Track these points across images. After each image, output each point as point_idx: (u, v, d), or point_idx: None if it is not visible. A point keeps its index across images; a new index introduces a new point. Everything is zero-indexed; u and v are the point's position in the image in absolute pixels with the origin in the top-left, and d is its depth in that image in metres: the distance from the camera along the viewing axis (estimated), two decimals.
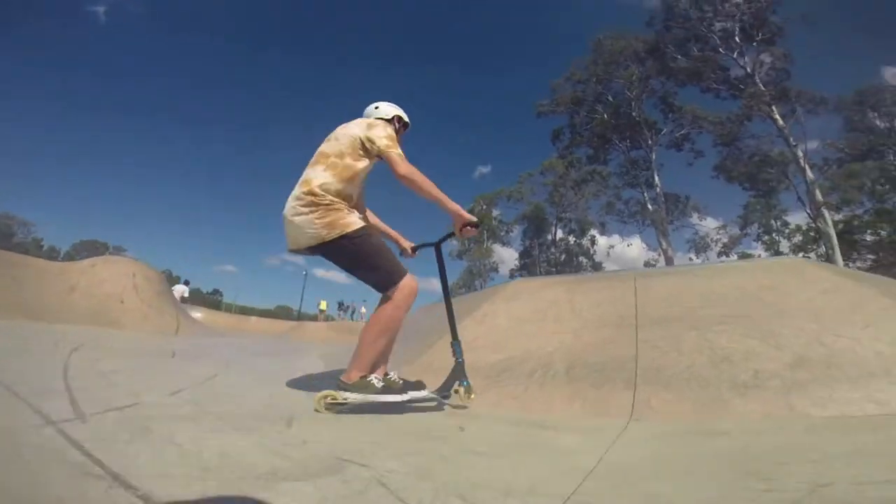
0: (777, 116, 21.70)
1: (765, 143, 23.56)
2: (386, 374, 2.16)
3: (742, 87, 22.98)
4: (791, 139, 21.74)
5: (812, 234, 25.05)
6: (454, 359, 2.32)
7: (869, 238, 24.73)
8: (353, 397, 1.93)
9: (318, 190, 2.10)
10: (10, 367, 2.10)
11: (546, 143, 30.57)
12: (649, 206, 26.52)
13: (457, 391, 2.26)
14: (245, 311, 38.52)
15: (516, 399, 2.31)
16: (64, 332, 3.90)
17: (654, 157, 26.84)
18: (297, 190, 2.16)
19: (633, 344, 2.42)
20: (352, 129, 2.27)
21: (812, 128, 27.12)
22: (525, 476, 1.16)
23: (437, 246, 2.59)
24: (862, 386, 1.80)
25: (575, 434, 1.69)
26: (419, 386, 2.16)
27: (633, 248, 33.32)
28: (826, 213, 21.07)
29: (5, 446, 1.06)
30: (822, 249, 21.98)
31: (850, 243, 23.44)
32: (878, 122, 23.93)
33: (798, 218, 27.09)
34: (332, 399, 1.90)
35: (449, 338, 2.39)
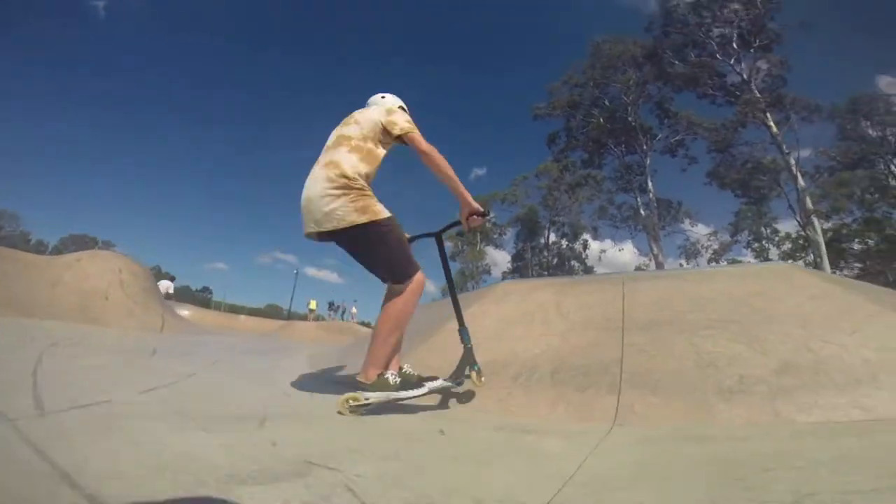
0: (771, 123, 21.93)
1: (758, 150, 23.78)
2: (401, 369, 2.20)
3: (738, 93, 23.20)
4: (784, 146, 21.95)
5: (801, 242, 25.27)
6: (463, 345, 2.35)
7: (857, 247, 25.00)
8: (374, 397, 1.94)
9: (349, 173, 2.09)
10: None
11: (542, 146, 30.68)
12: (642, 212, 26.66)
13: (469, 376, 2.31)
14: (235, 309, 38.30)
15: (500, 402, 2.27)
16: (43, 328, 3.80)
17: (648, 162, 27.02)
18: (328, 171, 2.11)
19: (619, 347, 2.39)
20: (372, 115, 2.29)
21: (805, 135, 27.39)
22: (502, 483, 1.12)
23: (439, 236, 2.56)
24: (848, 392, 1.78)
25: (557, 439, 1.65)
26: (433, 378, 2.19)
27: (624, 253, 33.45)
28: (816, 221, 21.28)
29: None
30: (811, 257, 22.20)
31: (838, 252, 23.68)
32: (870, 131, 24.21)
33: (788, 226, 27.33)
34: (355, 401, 1.89)
35: (441, 332, 2.37)
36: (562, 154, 29.66)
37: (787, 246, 27.64)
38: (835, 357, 1.98)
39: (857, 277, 20.98)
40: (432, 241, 2.57)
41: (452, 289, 2.57)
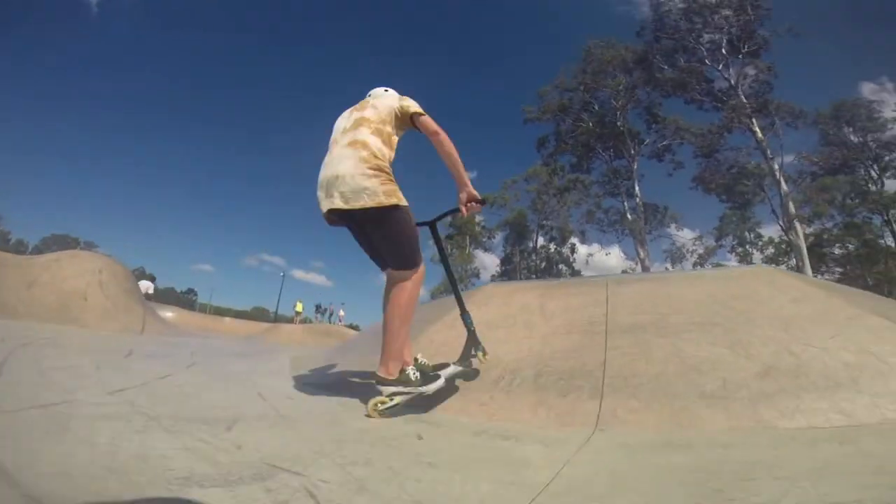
0: (756, 129, 22.24)
1: (743, 156, 24.12)
2: (416, 360, 2.27)
3: (725, 98, 23.50)
4: (768, 151, 22.27)
5: (784, 246, 25.67)
6: (466, 329, 2.45)
7: (837, 251, 25.47)
8: (398, 397, 1.98)
9: (380, 155, 2.14)
10: None
11: (532, 150, 30.79)
12: (629, 216, 26.84)
13: (475, 356, 2.41)
14: (220, 311, 37.80)
15: (482, 406, 2.22)
16: (17, 328, 3.69)
17: (635, 166, 27.22)
18: (358, 151, 2.12)
19: (602, 351, 2.36)
20: (388, 100, 2.37)
21: (789, 141, 27.80)
22: (475, 491, 1.08)
23: (433, 225, 2.56)
24: (828, 396, 1.77)
25: (536, 445, 1.61)
26: (444, 364, 2.29)
27: (611, 257, 33.61)
28: (798, 225, 21.60)
29: None
30: (794, 262, 22.51)
31: (819, 256, 24.10)
32: (851, 137, 24.67)
33: (771, 230, 27.74)
34: (383, 403, 1.94)
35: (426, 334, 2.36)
36: (551, 158, 29.78)
37: (771, 251, 28.09)
38: (816, 360, 1.97)
39: (838, 282, 21.36)
40: (425, 230, 2.55)
41: (452, 276, 2.69)
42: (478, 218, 33.14)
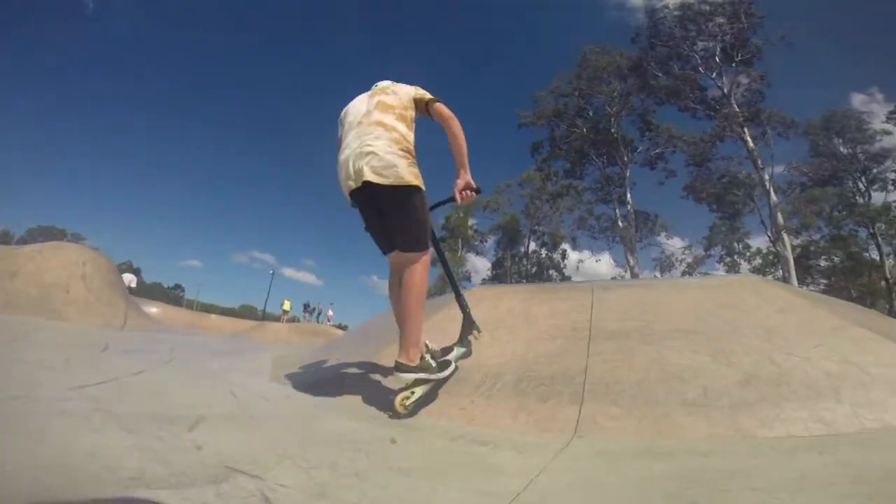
0: (748, 138, 22.45)
1: (734, 165, 24.33)
2: (426, 345, 2.27)
3: (718, 107, 23.70)
4: (759, 161, 22.47)
5: (771, 257, 25.91)
6: (462, 310, 2.49)
7: (823, 263, 25.76)
8: (419, 390, 2.03)
9: (407, 138, 2.22)
10: None
11: (525, 155, 30.83)
12: (620, 223, 26.96)
13: (474, 336, 2.44)
14: (207, 308, 37.31)
15: (462, 410, 2.18)
16: None
17: (628, 174, 27.37)
18: (388, 132, 2.18)
19: (584, 356, 2.33)
20: (404, 88, 2.43)
21: (780, 151, 28.09)
22: (441, 499, 1.04)
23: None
24: (809, 405, 1.75)
25: (512, 451, 1.57)
26: (449, 349, 2.33)
27: (601, 264, 33.76)
28: (786, 237, 21.81)
29: None
30: (780, 273, 22.72)
31: (805, 268, 24.35)
32: (841, 148, 24.97)
33: (759, 241, 27.98)
34: (407, 398, 1.98)
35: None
36: (545, 163, 29.85)
37: (758, 261, 28.33)
38: (798, 370, 1.96)
39: (823, 293, 21.60)
40: None
41: (445, 263, 2.72)
42: (470, 221, 33.19)
